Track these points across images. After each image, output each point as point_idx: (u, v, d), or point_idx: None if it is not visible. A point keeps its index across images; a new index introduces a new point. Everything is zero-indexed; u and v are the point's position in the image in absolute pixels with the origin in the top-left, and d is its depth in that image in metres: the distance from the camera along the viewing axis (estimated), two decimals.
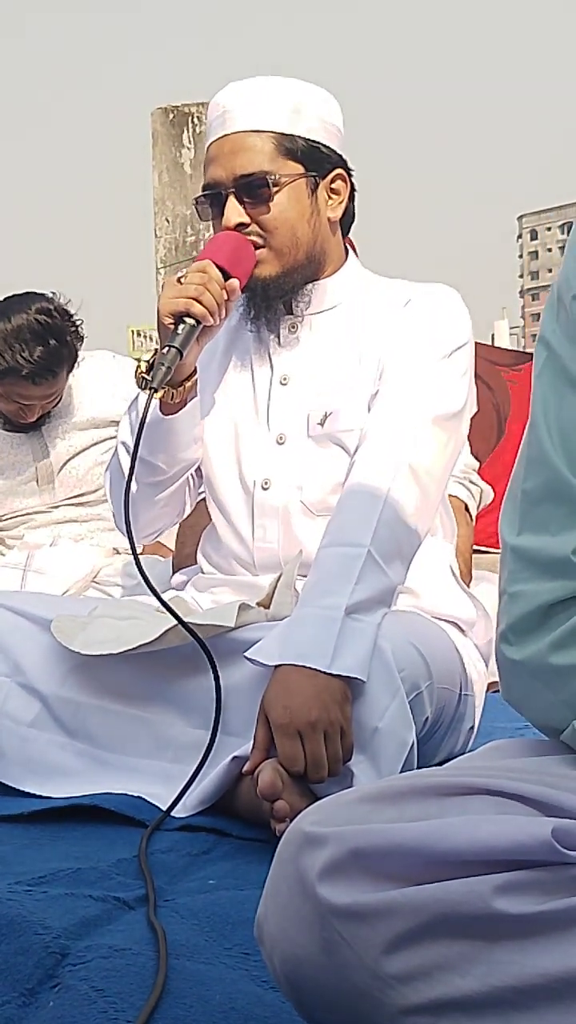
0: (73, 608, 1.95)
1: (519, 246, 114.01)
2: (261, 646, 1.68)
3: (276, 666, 1.64)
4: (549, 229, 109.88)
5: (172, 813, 1.68)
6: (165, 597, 1.75)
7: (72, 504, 3.07)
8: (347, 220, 2.00)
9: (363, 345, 1.94)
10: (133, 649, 1.75)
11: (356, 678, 1.63)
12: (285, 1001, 0.92)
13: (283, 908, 0.82)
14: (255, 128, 1.87)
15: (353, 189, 1.98)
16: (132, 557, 2.97)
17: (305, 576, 1.82)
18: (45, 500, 3.06)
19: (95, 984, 1.08)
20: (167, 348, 1.79)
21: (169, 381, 1.81)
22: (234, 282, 1.84)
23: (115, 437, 2.99)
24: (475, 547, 2.97)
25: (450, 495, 2.54)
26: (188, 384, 1.90)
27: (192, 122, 5.28)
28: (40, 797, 1.79)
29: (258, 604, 1.83)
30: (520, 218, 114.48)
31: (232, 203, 1.87)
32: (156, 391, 1.78)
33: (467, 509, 2.82)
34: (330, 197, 1.94)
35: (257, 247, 1.89)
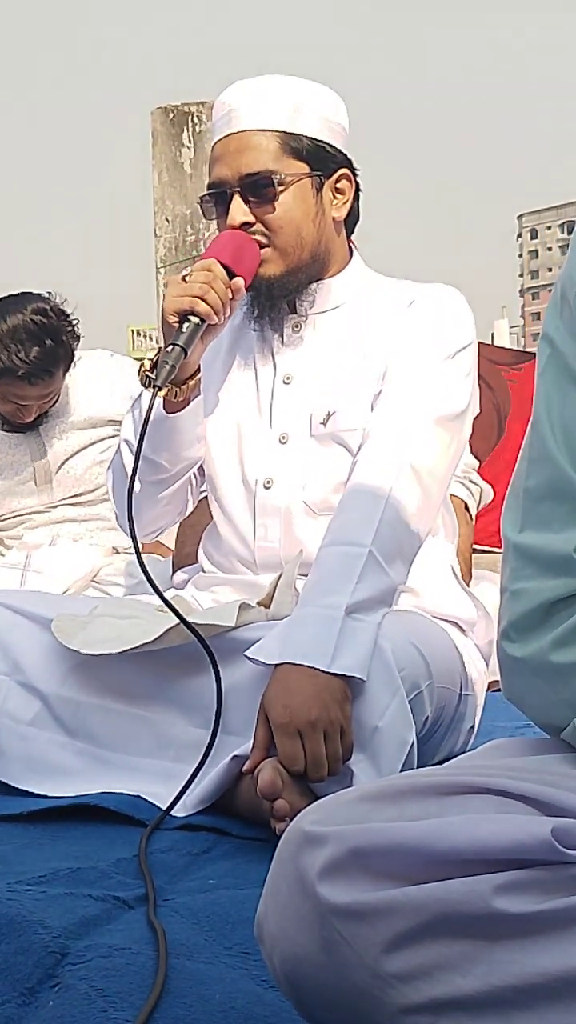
0: (73, 607, 1.95)
1: (519, 245, 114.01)
2: (261, 645, 1.68)
3: (276, 665, 1.64)
4: (549, 228, 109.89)
5: (172, 812, 1.68)
6: (166, 596, 1.74)
7: (70, 504, 3.07)
8: (352, 220, 2.00)
9: (367, 345, 1.94)
10: (134, 648, 1.75)
11: (356, 677, 1.63)
12: (285, 1000, 0.92)
13: (283, 907, 0.82)
14: (261, 127, 1.87)
15: (358, 189, 1.98)
16: (131, 556, 3.01)
17: (306, 575, 1.82)
18: (43, 500, 3.06)
19: (95, 983, 1.08)
20: (171, 346, 1.79)
21: (173, 379, 1.81)
22: (239, 281, 1.84)
23: (113, 436, 3.02)
24: (475, 546, 2.97)
25: (450, 494, 2.54)
26: (192, 382, 1.90)
27: (192, 121, 5.28)
28: (40, 796, 1.78)
29: (258, 603, 1.83)
30: (520, 217, 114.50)
31: (237, 202, 1.87)
32: (160, 389, 1.78)
33: (467, 508, 2.82)
34: (335, 197, 1.94)
35: (262, 246, 1.89)
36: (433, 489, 1.83)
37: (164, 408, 1.88)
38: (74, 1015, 1.03)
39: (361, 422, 1.89)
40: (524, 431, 0.94)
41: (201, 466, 2.04)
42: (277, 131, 1.87)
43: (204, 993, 1.06)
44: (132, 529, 1.74)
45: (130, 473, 1.78)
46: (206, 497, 2.11)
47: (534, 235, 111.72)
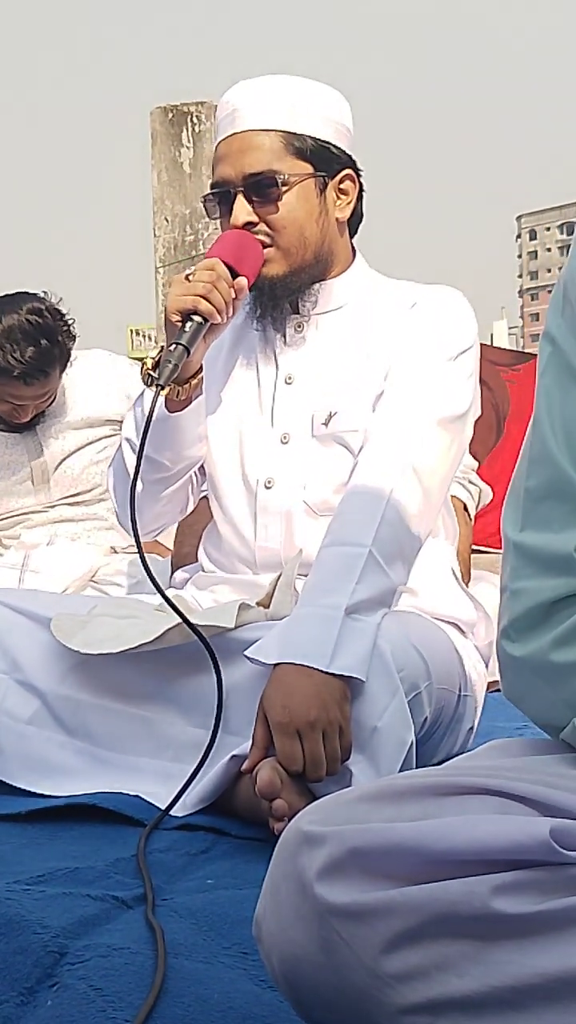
0: (72, 606, 1.95)
1: (518, 246, 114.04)
2: (260, 645, 1.68)
3: (275, 665, 1.64)
4: (548, 229, 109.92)
5: (171, 812, 1.68)
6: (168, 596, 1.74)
7: (68, 503, 3.06)
8: (355, 220, 2.00)
9: (369, 346, 1.94)
10: (133, 648, 1.75)
11: (355, 678, 1.63)
12: (283, 1000, 0.92)
13: (281, 907, 0.82)
14: (264, 127, 1.87)
15: (361, 189, 1.98)
16: (129, 556, 3.01)
17: (305, 575, 1.82)
18: (41, 500, 3.05)
19: (93, 983, 1.08)
20: (174, 345, 1.79)
21: (175, 378, 1.81)
22: (242, 280, 1.84)
23: (110, 436, 3.02)
24: (474, 547, 2.97)
25: (450, 495, 2.54)
26: (194, 382, 1.90)
27: (191, 121, 5.27)
28: (38, 795, 1.78)
29: (258, 604, 1.83)
30: (519, 218, 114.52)
31: (240, 202, 1.87)
32: (162, 388, 1.78)
33: (466, 509, 2.82)
34: (338, 197, 1.94)
35: (265, 246, 1.89)
36: (434, 490, 1.83)
37: (166, 407, 1.88)
38: (72, 1015, 1.03)
39: (363, 423, 1.89)
40: (523, 432, 0.94)
41: (202, 465, 2.04)
42: (281, 131, 1.87)
43: (202, 993, 1.06)
44: (135, 528, 1.74)
45: (132, 472, 1.77)
46: (205, 497, 2.11)
47: (533, 236, 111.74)
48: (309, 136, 1.89)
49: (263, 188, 1.87)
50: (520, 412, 4.32)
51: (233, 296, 1.83)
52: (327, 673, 1.61)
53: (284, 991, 0.85)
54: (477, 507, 2.91)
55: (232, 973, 1.12)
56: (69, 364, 2.89)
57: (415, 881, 0.78)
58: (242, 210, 1.87)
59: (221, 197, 1.91)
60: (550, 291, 0.96)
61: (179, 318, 1.81)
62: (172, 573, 2.32)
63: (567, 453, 0.88)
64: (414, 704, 1.70)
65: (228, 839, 1.62)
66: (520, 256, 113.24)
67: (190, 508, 2.13)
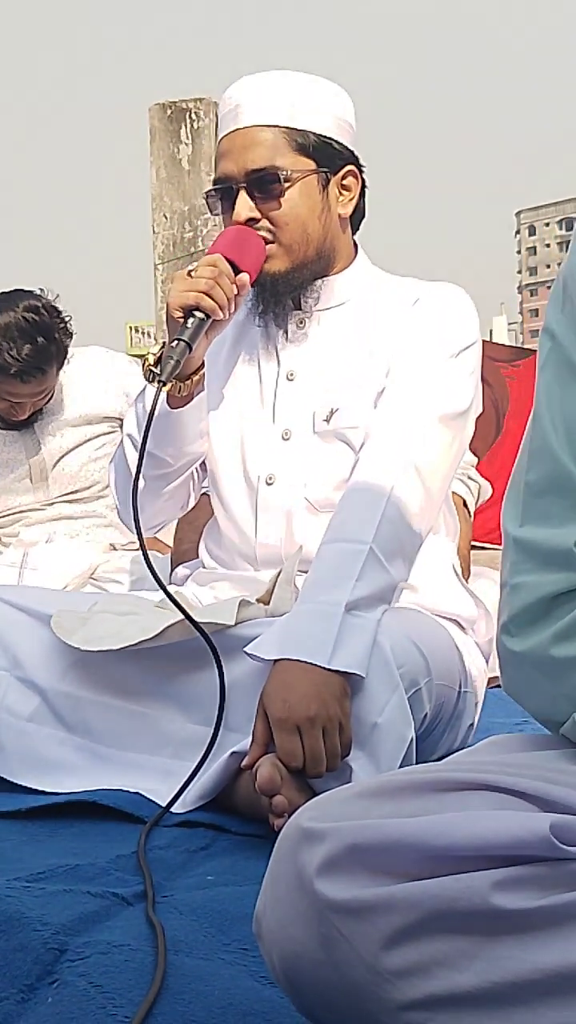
0: (73, 603, 1.95)
1: (517, 242, 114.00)
2: (260, 641, 1.68)
3: (275, 661, 1.64)
4: (547, 225, 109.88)
5: (171, 809, 1.68)
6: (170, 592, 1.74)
7: (67, 501, 3.06)
8: (357, 217, 1.99)
9: (371, 342, 1.94)
10: (133, 645, 1.75)
11: (355, 674, 1.62)
12: (283, 996, 0.92)
13: (281, 904, 0.82)
14: (267, 123, 1.87)
15: (364, 185, 1.97)
16: (129, 553, 3.01)
17: (306, 572, 1.82)
18: (39, 497, 3.05)
19: (93, 980, 1.08)
20: (176, 341, 1.78)
21: (177, 375, 1.81)
22: (244, 276, 1.84)
23: (108, 433, 3.02)
24: (473, 543, 2.97)
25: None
26: (196, 378, 1.90)
27: (190, 118, 5.27)
28: (38, 792, 1.78)
29: (258, 600, 1.83)
30: (518, 214, 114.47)
31: (243, 198, 1.87)
32: (164, 384, 1.77)
33: (465, 505, 2.82)
34: (341, 193, 1.94)
35: (267, 242, 1.88)
36: (435, 487, 1.83)
37: (168, 403, 1.87)
38: (73, 1012, 1.03)
39: (364, 419, 1.89)
40: (522, 428, 0.94)
41: (203, 461, 2.04)
42: (283, 127, 1.87)
43: (203, 989, 1.06)
44: (137, 524, 1.73)
45: (134, 469, 1.77)
46: (205, 493, 2.11)
47: (532, 232, 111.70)
48: (312, 132, 1.88)
49: (265, 184, 1.87)
50: (519, 408, 4.32)
51: (235, 292, 1.83)
52: (327, 669, 1.61)
53: (284, 987, 0.85)
54: (477, 503, 2.91)
55: (232, 970, 1.12)
56: (66, 361, 2.89)
57: (415, 877, 0.78)
58: (244, 206, 1.87)
59: (223, 193, 1.90)
60: (549, 287, 0.96)
61: (181, 314, 1.81)
62: (172, 569, 2.32)
63: (567, 448, 0.88)
64: (414, 700, 1.70)
65: (228, 836, 1.62)
66: (519, 252, 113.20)
67: (191, 504, 2.13)
